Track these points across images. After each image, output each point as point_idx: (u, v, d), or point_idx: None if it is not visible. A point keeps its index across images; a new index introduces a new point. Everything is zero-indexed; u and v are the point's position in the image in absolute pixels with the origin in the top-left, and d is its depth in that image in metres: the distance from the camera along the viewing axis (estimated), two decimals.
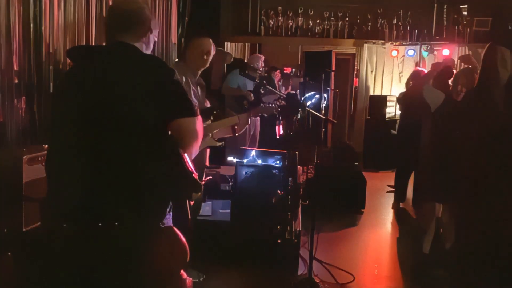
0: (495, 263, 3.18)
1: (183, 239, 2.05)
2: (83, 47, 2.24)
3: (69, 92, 2.00)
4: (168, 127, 1.96)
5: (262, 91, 6.41)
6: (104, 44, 2.13)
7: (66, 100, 2.00)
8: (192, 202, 2.13)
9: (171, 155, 1.95)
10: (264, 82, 4.02)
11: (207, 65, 3.60)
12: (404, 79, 7.62)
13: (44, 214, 2.17)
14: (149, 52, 2.13)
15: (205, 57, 3.52)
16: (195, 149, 2.05)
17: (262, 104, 4.08)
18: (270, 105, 3.98)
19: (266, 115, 4.02)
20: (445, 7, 8.60)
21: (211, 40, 3.60)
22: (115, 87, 1.92)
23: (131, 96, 1.90)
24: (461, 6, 8.49)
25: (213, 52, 3.60)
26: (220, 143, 3.51)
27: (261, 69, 6.71)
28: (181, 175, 1.93)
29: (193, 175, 1.96)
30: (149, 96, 1.91)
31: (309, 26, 8.99)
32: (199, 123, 2.03)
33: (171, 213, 2.05)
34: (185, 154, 1.97)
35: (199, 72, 3.59)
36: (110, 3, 4.67)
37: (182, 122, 1.96)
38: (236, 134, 3.57)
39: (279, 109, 3.95)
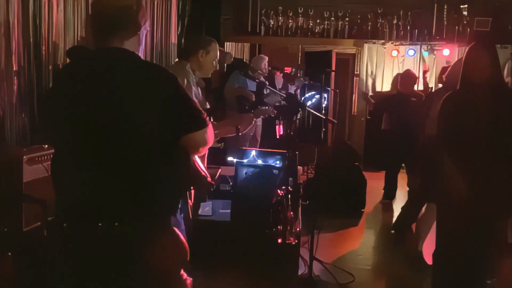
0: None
1: (183, 239, 2.05)
2: (83, 48, 2.20)
3: (71, 95, 1.94)
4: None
5: (265, 92, 6.41)
6: (94, 46, 2.03)
7: (67, 103, 1.94)
8: (191, 202, 2.14)
9: (181, 159, 1.96)
10: (266, 82, 4.03)
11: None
12: None
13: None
14: (141, 47, 2.06)
15: (215, 62, 3.55)
16: (205, 151, 2.09)
17: (258, 107, 4.08)
18: (266, 108, 3.99)
19: (263, 117, 4.03)
20: (445, 7, 8.59)
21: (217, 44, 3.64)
22: (119, 96, 1.87)
23: (137, 107, 1.85)
24: (461, 6, 8.47)
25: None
26: (219, 144, 3.51)
27: (264, 70, 6.70)
28: (192, 180, 1.95)
29: (207, 178, 1.98)
30: (157, 110, 1.86)
31: (309, 26, 8.98)
32: (209, 132, 2.00)
33: (182, 215, 2.07)
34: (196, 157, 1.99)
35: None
36: None
37: (192, 136, 1.95)
38: (240, 134, 3.57)
39: (275, 111, 3.96)
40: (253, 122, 3.60)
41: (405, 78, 6.39)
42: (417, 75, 6.53)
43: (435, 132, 3.68)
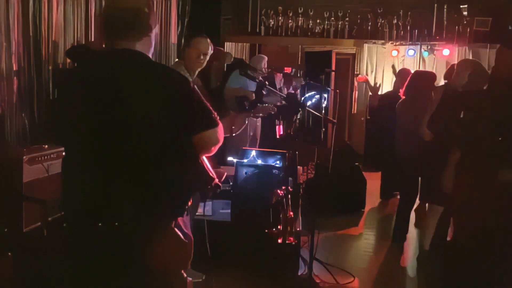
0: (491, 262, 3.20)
1: (185, 239, 2.05)
2: (83, 47, 2.20)
3: (80, 96, 1.94)
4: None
5: (264, 92, 6.40)
6: (103, 46, 2.04)
7: (75, 103, 1.95)
8: (190, 202, 2.14)
9: (190, 160, 1.97)
10: (266, 82, 4.02)
11: (203, 66, 3.60)
12: None
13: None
14: (152, 49, 2.07)
15: (201, 57, 3.52)
16: (214, 151, 2.08)
17: (258, 104, 4.07)
18: (266, 105, 3.98)
19: (262, 115, 4.01)
20: (445, 7, 8.59)
21: (208, 40, 3.59)
22: (130, 97, 1.87)
23: (149, 107, 1.86)
24: (461, 6, 8.47)
25: (210, 52, 3.59)
26: None
27: (264, 70, 6.70)
28: (200, 181, 1.96)
29: (215, 180, 1.98)
30: (168, 110, 1.87)
31: (309, 26, 8.98)
32: (220, 131, 2.02)
33: (189, 216, 2.07)
34: (204, 157, 2.00)
35: (196, 72, 3.59)
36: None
37: (204, 135, 1.96)
38: (233, 134, 3.56)
39: (275, 109, 3.94)
40: (246, 122, 3.59)
41: (398, 77, 6.43)
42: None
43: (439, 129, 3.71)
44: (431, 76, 4.95)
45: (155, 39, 2.07)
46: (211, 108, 2.00)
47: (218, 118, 2.01)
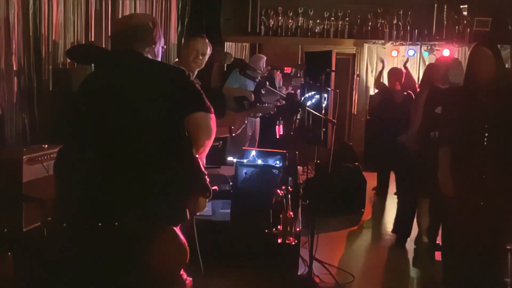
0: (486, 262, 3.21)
1: (183, 239, 2.05)
2: (83, 47, 2.25)
3: (86, 95, 2.05)
4: (184, 123, 2.01)
5: (263, 92, 6.40)
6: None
7: (82, 103, 2.04)
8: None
9: (186, 157, 1.98)
10: (266, 82, 4.01)
11: (202, 66, 3.56)
12: None
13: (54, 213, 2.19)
14: (157, 59, 2.18)
15: (200, 57, 3.47)
16: (208, 147, 2.10)
17: (258, 104, 4.07)
18: (266, 105, 3.97)
19: (261, 114, 4.01)
20: (445, 7, 8.59)
21: (206, 40, 3.54)
22: (131, 92, 1.95)
23: (147, 99, 1.95)
24: (461, 6, 8.48)
25: (208, 52, 3.55)
26: (217, 143, 3.49)
27: (263, 69, 6.70)
28: (194, 178, 1.98)
29: (206, 179, 2.00)
30: (165, 96, 1.97)
31: (309, 26, 8.99)
32: (213, 120, 2.08)
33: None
34: (198, 156, 2.01)
35: (195, 72, 3.57)
36: (109, 3, 4.68)
37: (197, 116, 2.02)
38: (233, 134, 3.56)
39: (275, 108, 3.94)
40: (246, 121, 3.58)
41: (388, 76, 6.46)
42: (403, 72, 6.50)
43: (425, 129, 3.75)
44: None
45: (161, 52, 2.21)
46: (206, 97, 2.08)
47: (212, 108, 2.08)
